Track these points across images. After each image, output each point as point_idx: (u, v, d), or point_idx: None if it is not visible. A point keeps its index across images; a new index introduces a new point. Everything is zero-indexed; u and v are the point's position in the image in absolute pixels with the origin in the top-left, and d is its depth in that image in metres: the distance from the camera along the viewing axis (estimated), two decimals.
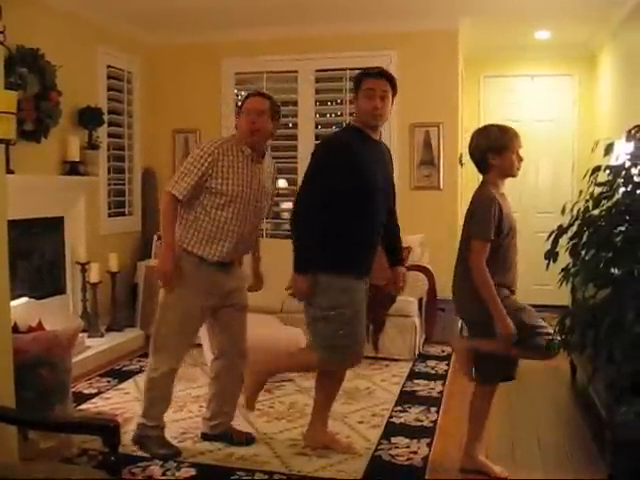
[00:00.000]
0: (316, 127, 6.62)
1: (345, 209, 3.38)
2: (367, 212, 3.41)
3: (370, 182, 3.41)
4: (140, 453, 3.53)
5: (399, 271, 3.72)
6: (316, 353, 3.44)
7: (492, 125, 3.41)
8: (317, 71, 6.53)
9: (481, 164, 3.36)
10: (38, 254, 5.38)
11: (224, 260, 3.53)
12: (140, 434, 3.58)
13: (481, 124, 7.82)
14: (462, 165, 6.62)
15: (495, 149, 3.27)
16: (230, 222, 3.47)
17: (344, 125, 3.77)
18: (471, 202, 3.34)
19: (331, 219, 3.37)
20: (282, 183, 7.11)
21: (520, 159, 3.31)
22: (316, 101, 6.61)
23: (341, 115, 6.61)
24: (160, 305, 3.56)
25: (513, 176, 3.34)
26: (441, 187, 6.32)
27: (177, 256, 3.46)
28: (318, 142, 3.73)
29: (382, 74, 3.47)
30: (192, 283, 3.48)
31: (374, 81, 3.43)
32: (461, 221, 6.92)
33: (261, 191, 3.57)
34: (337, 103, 6.69)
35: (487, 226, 3.17)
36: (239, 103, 3.67)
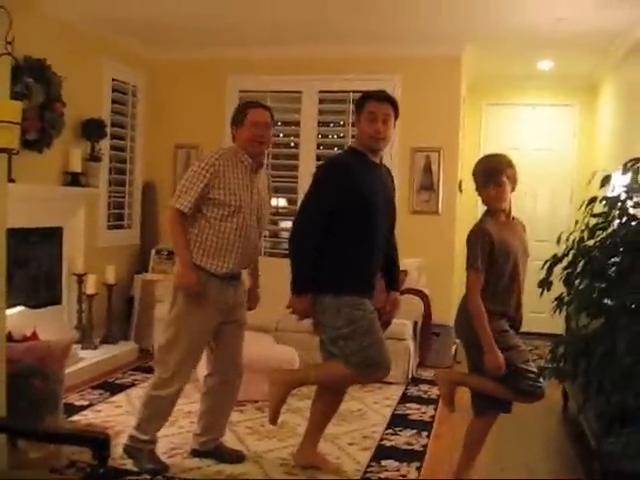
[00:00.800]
0: (318, 148, 6.67)
1: (346, 231, 3.39)
2: (368, 233, 3.43)
3: (371, 204, 3.42)
4: (129, 467, 3.52)
5: (392, 296, 3.71)
6: (346, 368, 3.39)
7: (483, 156, 3.50)
8: (321, 92, 6.58)
9: None
10: (35, 263, 5.38)
11: (232, 272, 3.53)
12: (132, 446, 3.56)
13: (481, 151, 7.94)
14: (461, 191, 6.66)
15: (475, 181, 3.37)
16: (235, 233, 3.47)
17: (346, 148, 3.77)
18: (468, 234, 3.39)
19: (333, 241, 3.39)
20: (282, 202, 7.15)
21: (501, 192, 3.30)
22: (319, 122, 6.66)
23: (343, 137, 6.64)
24: (169, 322, 3.53)
25: (494, 209, 3.35)
26: (439, 212, 6.36)
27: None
28: (320, 163, 3.73)
29: (385, 97, 3.50)
30: (202, 299, 3.46)
31: (377, 104, 3.46)
32: (458, 246, 6.96)
33: (261, 200, 3.61)
34: (340, 125, 6.74)
35: (475, 256, 3.23)
36: (238, 113, 3.61)
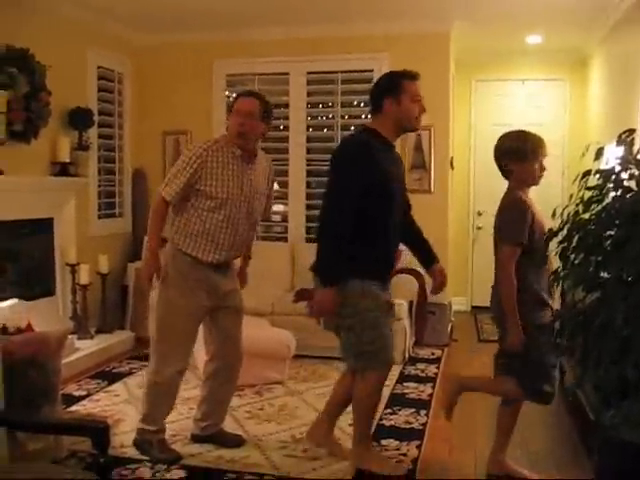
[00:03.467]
0: (307, 129, 6.62)
1: (365, 213, 3.20)
2: (387, 216, 3.30)
3: (392, 186, 3.30)
4: (130, 455, 3.52)
5: (437, 268, 3.55)
6: (369, 373, 3.35)
7: (518, 131, 3.32)
8: (309, 73, 6.52)
9: (501, 169, 3.29)
10: (27, 255, 5.34)
11: (218, 262, 3.51)
12: (140, 439, 3.55)
13: (472, 128, 7.89)
14: (453, 168, 6.64)
15: (515, 156, 3.21)
16: (222, 225, 3.45)
17: (359, 129, 3.54)
18: (500, 208, 3.26)
19: (355, 224, 3.21)
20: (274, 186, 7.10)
21: (543, 169, 3.23)
22: (307, 103, 6.60)
23: (333, 118, 6.60)
24: (158, 306, 3.51)
25: (533, 185, 3.26)
26: (432, 190, 6.33)
27: (169, 254, 3.47)
28: (337, 148, 3.45)
29: (418, 76, 3.44)
30: (190, 281, 3.46)
31: (416, 85, 3.38)
32: (452, 223, 6.93)
33: (253, 192, 3.56)
34: (329, 106, 6.69)
35: (519, 229, 3.09)
36: (231, 102, 3.63)
